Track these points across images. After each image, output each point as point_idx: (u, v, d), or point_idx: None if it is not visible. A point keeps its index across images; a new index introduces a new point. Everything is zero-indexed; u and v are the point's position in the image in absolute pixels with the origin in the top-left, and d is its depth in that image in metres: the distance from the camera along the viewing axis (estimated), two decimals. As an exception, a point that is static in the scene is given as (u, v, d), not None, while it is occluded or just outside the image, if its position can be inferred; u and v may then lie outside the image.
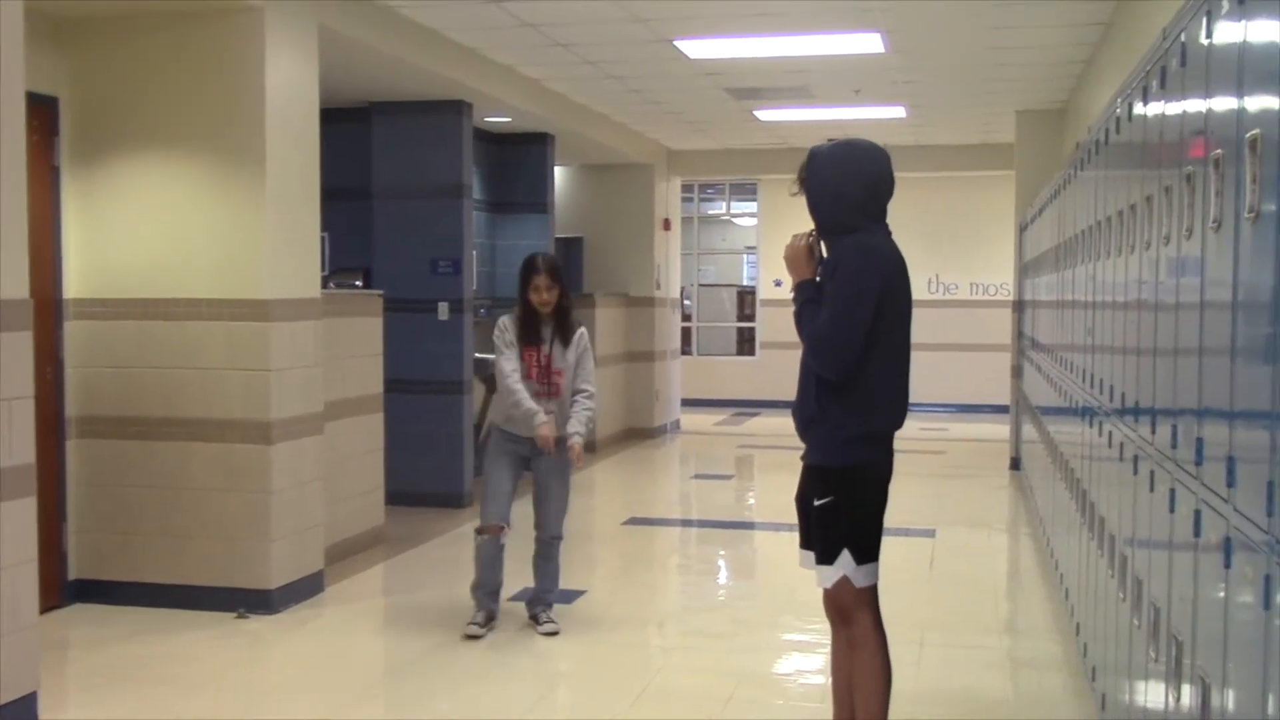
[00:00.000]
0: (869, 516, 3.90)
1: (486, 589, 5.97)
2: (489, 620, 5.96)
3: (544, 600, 6.10)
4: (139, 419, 6.45)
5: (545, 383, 5.84)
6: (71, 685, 5.33)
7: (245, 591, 6.31)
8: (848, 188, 3.86)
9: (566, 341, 5.87)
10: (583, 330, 5.97)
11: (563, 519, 6.06)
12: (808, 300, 3.87)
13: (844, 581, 3.86)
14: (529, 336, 5.84)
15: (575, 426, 5.85)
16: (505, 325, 5.91)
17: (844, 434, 3.83)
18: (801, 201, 3.98)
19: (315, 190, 6.84)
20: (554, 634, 5.89)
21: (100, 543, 6.52)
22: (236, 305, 6.32)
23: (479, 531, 5.95)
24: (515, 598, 6.38)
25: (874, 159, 3.91)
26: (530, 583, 6.19)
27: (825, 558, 3.87)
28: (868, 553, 3.88)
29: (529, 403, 5.75)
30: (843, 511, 3.85)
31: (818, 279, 3.92)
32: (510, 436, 5.90)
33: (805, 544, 4.05)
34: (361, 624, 6.48)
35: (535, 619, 6.03)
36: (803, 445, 4.03)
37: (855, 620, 3.92)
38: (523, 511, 6.10)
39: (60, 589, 6.40)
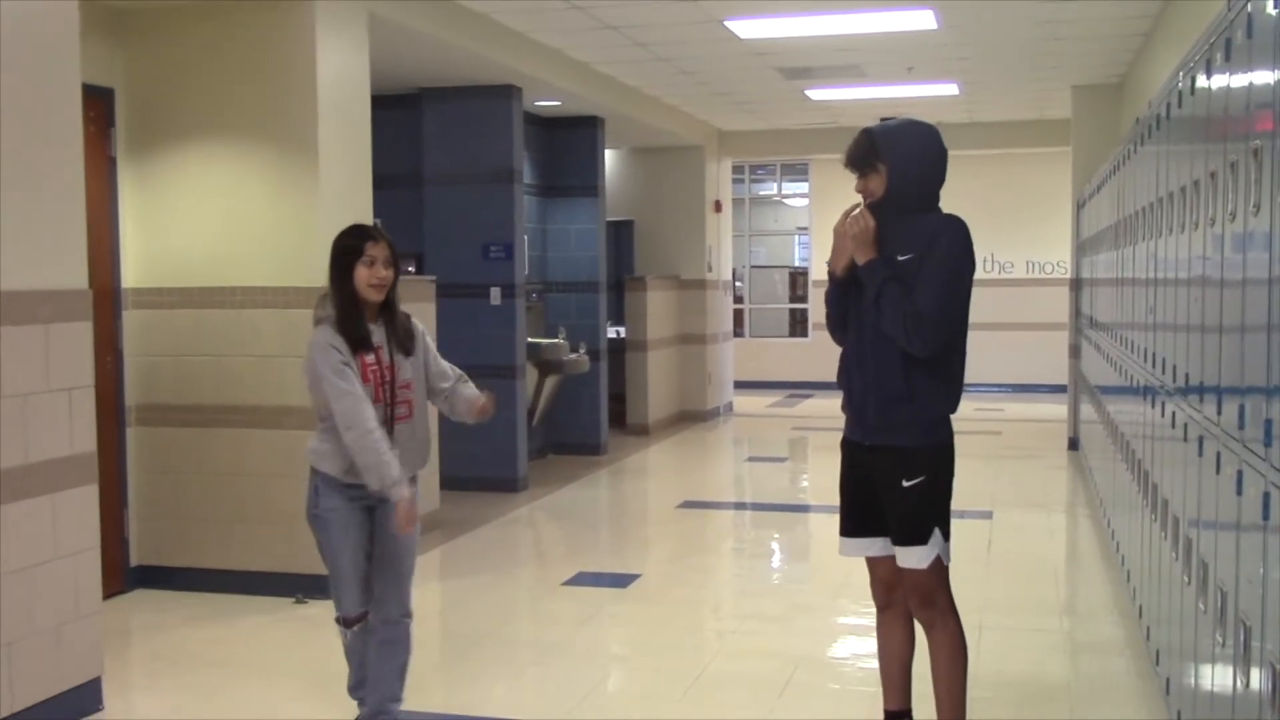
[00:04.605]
0: (950, 493, 3.90)
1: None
2: None
3: (390, 713, 4.28)
4: (197, 406, 6.53)
5: (392, 403, 4.12)
6: (134, 670, 5.41)
7: (303, 577, 6.36)
8: (932, 165, 3.88)
9: (406, 345, 4.21)
10: (420, 324, 4.38)
11: (410, 588, 4.33)
12: (889, 279, 3.76)
13: (937, 561, 3.84)
14: (359, 341, 4.06)
15: (472, 392, 4.35)
16: (331, 340, 4.02)
17: (935, 413, 3.82)
18: (853, 180, 3.92)
19: (367, 177, 6.87)
20: None
21: (161, 529, 6.61)
22: (291, 293, 6.36)
23: (341, 623, 4.35)
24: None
25: (939, 138, 3.94)
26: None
27: (917, 539, 3.82)
28: (948, 530, 3.88)
29: (393, 460, 3.97)
30: (934, 490, 3.83)
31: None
32: (354, 492, 4.12)
33: (852, 530, 4.00)
34: (417, 608, 6.50)
35: None
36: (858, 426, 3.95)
37: (937, 599, 3.88)
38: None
39: (123, 575, 6.50)
